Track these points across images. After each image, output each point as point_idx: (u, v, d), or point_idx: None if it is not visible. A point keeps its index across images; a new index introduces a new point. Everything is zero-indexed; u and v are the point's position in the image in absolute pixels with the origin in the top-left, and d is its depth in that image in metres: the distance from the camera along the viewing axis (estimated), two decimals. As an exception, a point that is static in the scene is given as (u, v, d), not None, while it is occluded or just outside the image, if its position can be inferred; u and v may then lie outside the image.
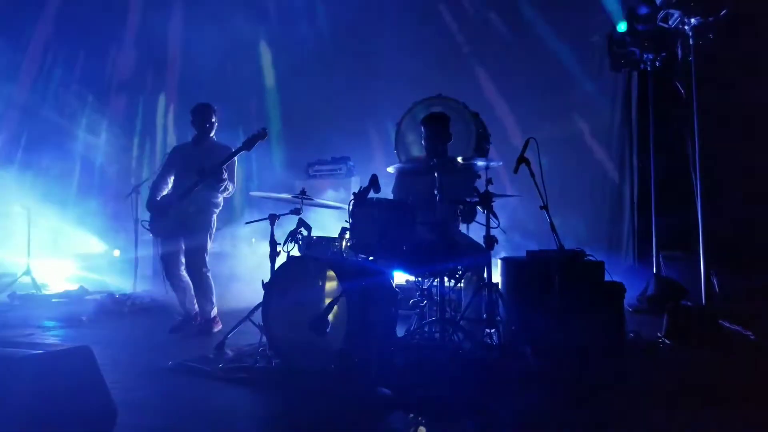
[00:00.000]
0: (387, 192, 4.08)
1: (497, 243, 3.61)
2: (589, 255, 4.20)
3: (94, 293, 6.93)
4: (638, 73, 7.31)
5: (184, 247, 4.84)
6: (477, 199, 3.62)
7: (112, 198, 8.65)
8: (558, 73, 7.69)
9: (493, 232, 3.62)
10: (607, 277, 4.25)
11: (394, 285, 3.79)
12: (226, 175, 4.71)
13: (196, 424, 2.73)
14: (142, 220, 5.04)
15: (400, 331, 3.79)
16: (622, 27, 6.83)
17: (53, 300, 6.55)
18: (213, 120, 5.02)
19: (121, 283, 7.40)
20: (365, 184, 3.59)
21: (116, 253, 8.35)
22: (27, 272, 7.07)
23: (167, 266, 4.87)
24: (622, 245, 7.60)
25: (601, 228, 7.62)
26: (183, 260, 4.85)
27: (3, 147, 8.33)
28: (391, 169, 3.81)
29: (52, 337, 4.70)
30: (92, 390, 2.49)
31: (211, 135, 5.04)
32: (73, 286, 7.23)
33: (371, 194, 3.56)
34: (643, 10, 6.32)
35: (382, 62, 8.14)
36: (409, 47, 8.06)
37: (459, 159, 3.52)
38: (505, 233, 3.89)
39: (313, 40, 8.58)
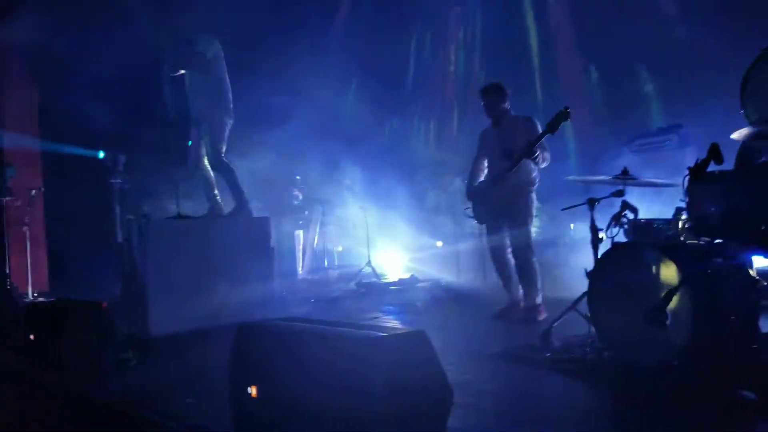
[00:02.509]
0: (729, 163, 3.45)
1: None
2: None
3: (423, 281, 7.55)
4: None
5: (508, 232, 4.90)
6: None
7: (432, 191, 9.31)
8: None
9: None
10: None
11: (752, 271, 3.18)
12: (537, 152, 4.59)
13: (530, 411, 2.71)
14: (465, 208, 5.25)
15: (766, 326, 3.17)
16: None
17: (390, 288, 7.34)
18: (500, 99, 4.91)
19: (445, 273, 7.90)
20: (703, 155, 3.10)
21: (439, 244, 8.96)
22: (368, 263, 8.10)
23: (493, 252, 5.00)
24: None
25: None
26: (508, 244, 4.91)
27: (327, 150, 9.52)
28: (737, 135, 3.20)
29: (393, 321, 5.26)
30: (430, 371, 2.65)
31: (508, 111, 4.95)
32: (405, 275, 8.01)
33: (711, 167, 3.06)
34: None
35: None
36: None
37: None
38: None
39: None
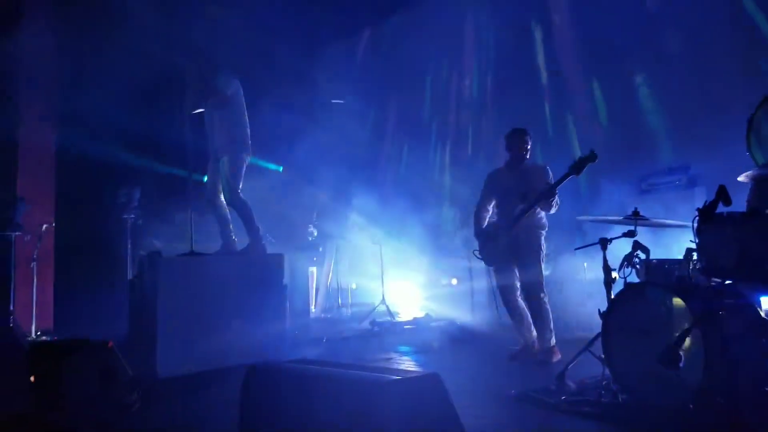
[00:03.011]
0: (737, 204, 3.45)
1: None
2: None
3: (437, 320, 7.48)
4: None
5: (518, 274, 4.90)
6: None
7: (444, 230, 9.29)
8: None
9: None
10: None
11: (762, 312, 3.17)
12: (556, 194, 4.66)
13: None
14: (473, 250, 5.24)
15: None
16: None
17: (405, 327, 7.27)
18: (527, 145, 5.04)
19: (459, 311, 7.83)
20: (711, 196, 3.12)
21: (453, 281, 8.89)
22: (383, 301, 8.06)
23: (503, 294, 4.99)
24: None
25: None
26: (518, 287, 4.91)
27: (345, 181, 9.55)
28: (744, 177, 3.22)
29: (407, 362, 5.21)
30: (445, 415, 2.62)
31: (526, 158, 5.06)
32: (420, 314, 7.94)
33: (720, 208, 3.08)
34: None
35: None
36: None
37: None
38: None
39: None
